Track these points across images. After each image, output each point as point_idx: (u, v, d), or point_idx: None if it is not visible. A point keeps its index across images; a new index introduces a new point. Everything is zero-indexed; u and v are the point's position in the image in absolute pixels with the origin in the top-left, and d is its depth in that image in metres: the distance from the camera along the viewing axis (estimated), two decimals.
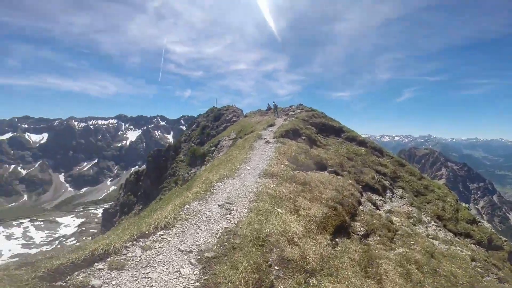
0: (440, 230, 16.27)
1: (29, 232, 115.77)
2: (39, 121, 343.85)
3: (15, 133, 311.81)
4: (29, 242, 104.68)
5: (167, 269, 5.77)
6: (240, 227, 7.39)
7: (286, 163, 14.79)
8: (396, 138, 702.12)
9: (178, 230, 7.25)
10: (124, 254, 6.05)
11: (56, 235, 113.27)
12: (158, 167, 71.51)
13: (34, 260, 5.72)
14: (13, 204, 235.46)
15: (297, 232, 7.47)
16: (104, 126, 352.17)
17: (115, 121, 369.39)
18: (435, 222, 17.00)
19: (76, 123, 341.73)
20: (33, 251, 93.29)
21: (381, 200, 16.82)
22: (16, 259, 69.66)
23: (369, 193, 16.79)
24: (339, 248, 8.38)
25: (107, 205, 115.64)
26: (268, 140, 20.58)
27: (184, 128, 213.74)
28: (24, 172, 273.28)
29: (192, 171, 33.93)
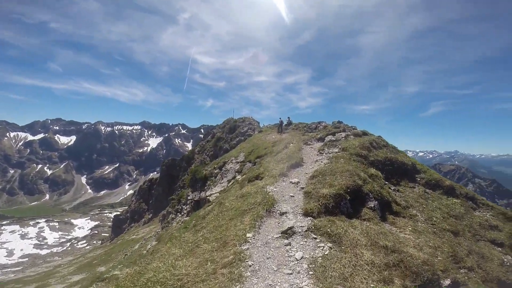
0: None
1: (44, 232, 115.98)
2: (69, 124, 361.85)
3: (46, 135, 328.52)
4: (42, 243, 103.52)
5: None
6: None
7: None
8: (420, 154, 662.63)
9: None
10: None
11: (69, 237, 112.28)
12: (171, 176, 69.57)
13: None
14: (35, 203, 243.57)
15: None
16: (128, 132, 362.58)
17: (139, 127, 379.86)
18: None
19: (103, 128, 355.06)
20: (44, 252, 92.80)
21: None
22: (26, 259, 70.24)
23: None
24: None
25: (121, 209, 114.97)
26: (291, 228, 8.35)
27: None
28: (49, 172, 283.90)
29: (189, 198, 29.09)
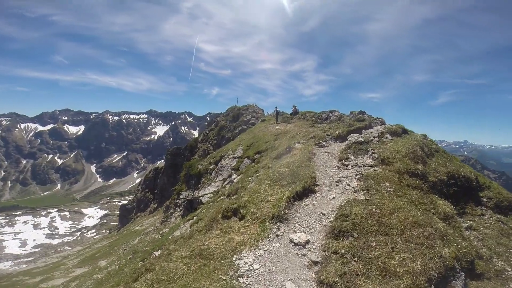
0: None
1: (55, 222, 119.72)
2: (77, 114, 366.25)
3: (56, 125, 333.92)
4: (53, 232, 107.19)
5: None
6: None
7: None
8: None
9: None
10: None
11: (79, 226, 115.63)
12: (175, 165, 69.17)
13: None
14: (47, 192, 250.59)
15: None
16: (135, 120, 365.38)
17: (146, 116, 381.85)
18: None
19: (110, 117, 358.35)
20: (56, 241, 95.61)
21: None
22: (39, 249, 72.03)
23: None
24: None
25: (129, 198, 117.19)
26: None
27: None
28: (60, 161, 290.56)
29: (181, 197, 27.98)
